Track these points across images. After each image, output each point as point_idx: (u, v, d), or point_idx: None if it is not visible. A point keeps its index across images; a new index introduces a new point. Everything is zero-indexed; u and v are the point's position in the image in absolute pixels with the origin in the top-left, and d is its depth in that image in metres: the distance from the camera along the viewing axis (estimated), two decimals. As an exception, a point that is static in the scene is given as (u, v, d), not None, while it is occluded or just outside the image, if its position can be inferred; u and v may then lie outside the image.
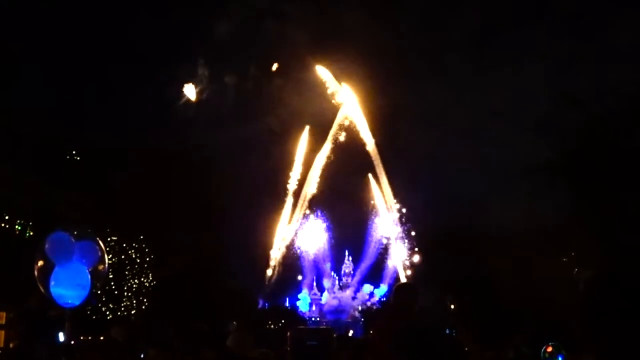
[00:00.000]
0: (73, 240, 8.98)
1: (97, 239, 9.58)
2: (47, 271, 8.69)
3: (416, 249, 45.16)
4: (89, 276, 9.05)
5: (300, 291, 48.42)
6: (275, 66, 47.08)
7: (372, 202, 47.91)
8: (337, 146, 48.83)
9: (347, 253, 49.89)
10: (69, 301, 9.08)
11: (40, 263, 8.79)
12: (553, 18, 35.04)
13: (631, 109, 24.63)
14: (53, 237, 9.01)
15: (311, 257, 47.72)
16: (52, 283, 8.73)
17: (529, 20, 36.01)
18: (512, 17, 36.78)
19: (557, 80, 32.50)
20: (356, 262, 48.81)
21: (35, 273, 8.82)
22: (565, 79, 31.51)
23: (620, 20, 31.17)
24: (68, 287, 8.89)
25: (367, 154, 48.30)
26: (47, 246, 8.85)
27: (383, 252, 47.71)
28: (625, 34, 30.19)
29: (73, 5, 37.16)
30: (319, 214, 46.93)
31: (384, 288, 46.74)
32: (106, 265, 9.65)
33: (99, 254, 9.37)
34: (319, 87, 48.15)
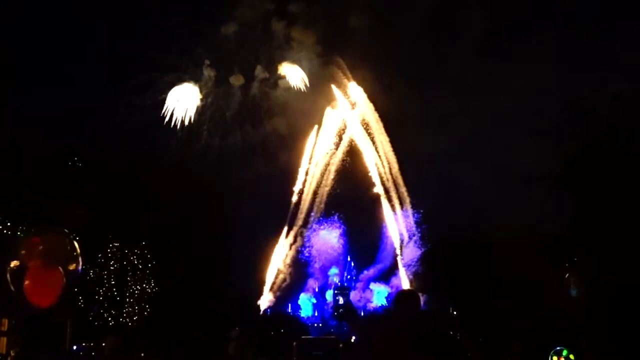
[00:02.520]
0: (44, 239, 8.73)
1: (70, 236, 9.21)
2: (20, 272, 8.46)
3: (421, 255, 44.93)
4: (61, 277, 8.75)
5: (299, 296, 48.28)
6: (281, 69, 46.84)
7: (385, 206, 47.55)
8: (347, 149, 48.42)
9: (349, 259, 49.82)
10: (40, 302, 8.83)
11: (14, 264, 8.54)
12: (556, 25, 34.99)
13: (635, 115, 24.58)
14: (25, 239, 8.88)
15: (319, 263, 47.58)
16: (25, 283, 8.50)
17: (533, 27, 35.87)
18: (515, 24, 36.69)
19: (560, 87, 32.45)
20: (364, 266, 48.69)
21: (7, 275, 8.55)
22: (569, 86, 31.45)
23: (624, 26, 31.11)
24: (39, 288, 8.65)
25: (378, 158, 47.86)
26: (19, 248, 8.66)
27: (391, 257, 47.57)
28: (629, 40, 30.13)
29: (73, 12, 37.05)
30: (336, 218, 46.57)
31: (385, 291, 46.69)
32: (79, 264, 9.27)
33: (71, 252, 8.98)
34: (326, 90, 47.89)
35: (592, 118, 25.51)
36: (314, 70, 47.06)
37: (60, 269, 8.70)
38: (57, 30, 35.79)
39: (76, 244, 9.09)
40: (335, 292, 47.00)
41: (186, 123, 45.72)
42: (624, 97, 24.26)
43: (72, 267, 8.92)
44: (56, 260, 8.69)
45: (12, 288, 8.50)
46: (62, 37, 35.91)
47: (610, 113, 25.27)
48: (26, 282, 8.47)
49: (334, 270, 48.73)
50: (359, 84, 46.90)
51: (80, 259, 9.11)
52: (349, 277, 49.37)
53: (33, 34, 34.90)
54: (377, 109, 46.32)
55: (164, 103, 44.89)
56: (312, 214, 47.33)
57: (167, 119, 45.16)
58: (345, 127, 48.06)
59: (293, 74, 46.96)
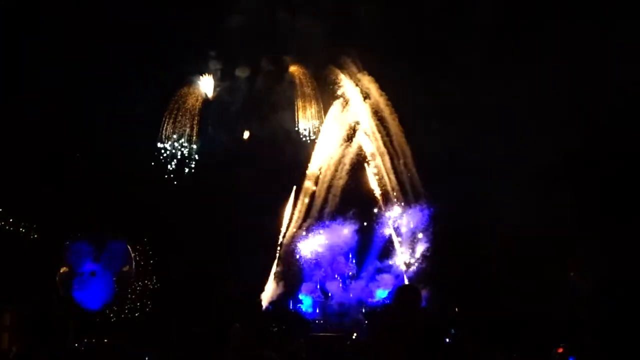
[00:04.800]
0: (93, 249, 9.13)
1: (124, 241, 9.64)
2: (69, 277, 8.89)
3: (425, 250, 44.86)
4: (112, 281, 9.16)
5: (300, 291, 48.20)
6: (289, 64, 46.46)
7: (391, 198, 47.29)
8: (359, 141, 48.11)
9: (350, 255, 49.78)
10: (91, 305, 9.20)
11: (63, 270, 8.97)
12: (559, 19, 34.79)
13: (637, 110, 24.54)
14: (76, 246, 9.17)
15: (327, 257, 47.53)
16: (75, 287, 8.88)
17: (540, 20, 35.69)
18: (517, 19, 36.53)
19: (564, 81, 32.30)
20: (372, 258, 48.51)
21: (57, 278, 8.98)
22: (573, 80, 31.32)
23: (629, 19, 30.88)
24: (91, 291, 9.00)
25: (393, 150, 47.58)
26: (69, 255, 9.00)
27: (392, 252, 47.50)
28: (633, 36, 29.93)
29: (72, 6, 36.60)
30: (351, 213, 46.41)
31: (386, 290, 46.60)
32: (133, 266, 9.71)
33: (126, 256, 9.46)
34: (333, 83, 47.57)
35: (596, 111, 25.46)
36: (322, 61, 46.55)
37: (112, 274, 9.06)
38: (56, 25, 35.59)
39: (129, 248, 9.52)
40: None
41: (190, 117, 45.49)
42: (629, 89, 24.21)
43: (126, 269, 9.33)
44: (112, 264, 9.09)
45: (61, 292, 8.83)
46: (62, 32, 35.66)
47: (614, 106, 25.22)
48: (77, 287, 8.79)
49: (340, 259, 48.68)
50: (368, 74, 46.52)
51: (133, 261, 9.52)
52: (350, 273, 49.40)
53: (33, 28, 34.73)
54: (387, 100, 46.02)
55: (167, 97, 44.60)
56: (326, 208, 47.06)
57: (170, 113, 44.95)
58: (357, 118, 47.73)
59: (299, 67, 46.48)
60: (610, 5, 32.39)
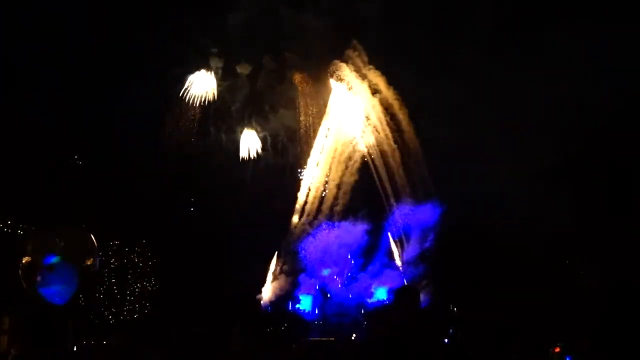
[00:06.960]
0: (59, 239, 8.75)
1: (90, 233, 9.23)
2: (33, 268, 8.49)
3: (425, 250, 44.69)
4: (76, 273, 8.77)
5: (300, 289, 48.02)
6: (292, 62, 46.11)
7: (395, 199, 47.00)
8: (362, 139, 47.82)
9: (349, 256, 49.69)
10: (55, 299, 8.83)
11: (26, 260, 8.57)
12: (560, 20, 34.74)
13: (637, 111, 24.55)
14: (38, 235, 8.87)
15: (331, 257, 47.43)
16: (38, 279, 8.53)
17: (536, 22, 35.68)
18: (519, 20, 36.48)
19: (564, 83, 32.29)
20: (374, 260, 48.33)
21: (20, 271, 8.59)
22: (573, 82, 31.31)
23: (629, 21, 30.87)
24: (54, 285, 8.65)
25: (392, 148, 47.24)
26: (34, 244, 8.69)
27: (393, 253, 47.35)
28: (633, 36, 29.91)
29: (72, 6, 36.29)
30: (359, 216, 46.14)
31: (384, 290, 46.52)
32: (96, 260, 9.25)
33: (88, 247, 8.99)
34: (339, 78, 47.23)
35: (596, 112, 25.44)
36: (323, 63, 46.23)
37: (76, 266, 8.70)
38: (56, 25, 35.41)
39: (93, 239, 9.08)
40: None
41: (191, 117, 45.23)
42: (629, 90, 24.22)
43: (89, 262, 8.89)
44: (73, 256, 8.69)
45: (24, 284, 8.51)
46: (62, 33, 35.49)
47: (614, 107, 25.21)
48: (39, 279, 8.48)
49: (342, 258, 48.53)
50: (373, 71, 46.23)
51: (96, 253, 9.09)
52: (349, 274, 49.34)
53: (33, 27, 34.52)
54: (389, 97, 45.77)
55: (169, 97, 44.27)
56: (336, 206, 46.75)
57: (171, 114, 44.68)
58: (364, 113, 47.46)
59: (301, 66, 46.25)
60: (611, 7, 32.36)
